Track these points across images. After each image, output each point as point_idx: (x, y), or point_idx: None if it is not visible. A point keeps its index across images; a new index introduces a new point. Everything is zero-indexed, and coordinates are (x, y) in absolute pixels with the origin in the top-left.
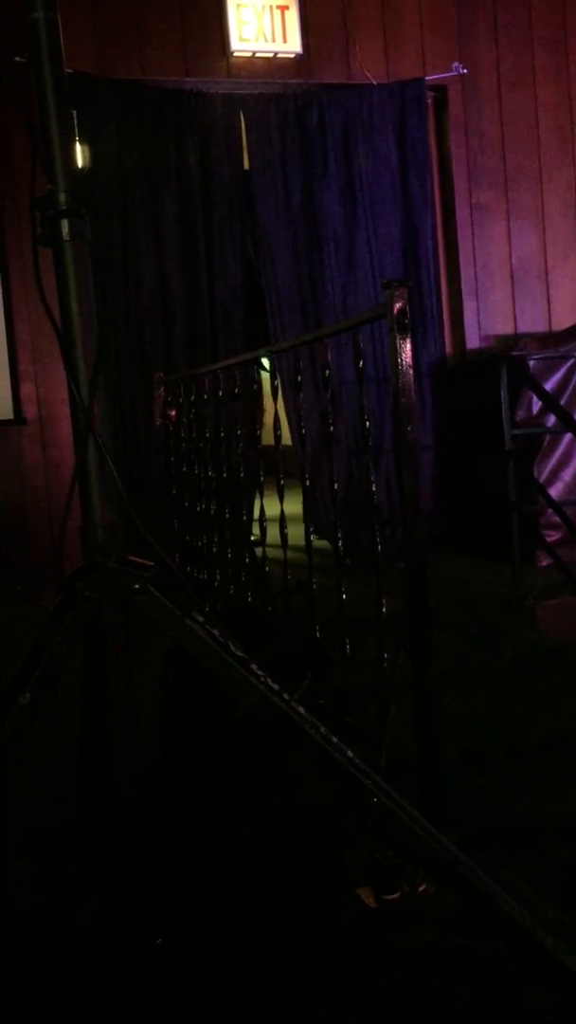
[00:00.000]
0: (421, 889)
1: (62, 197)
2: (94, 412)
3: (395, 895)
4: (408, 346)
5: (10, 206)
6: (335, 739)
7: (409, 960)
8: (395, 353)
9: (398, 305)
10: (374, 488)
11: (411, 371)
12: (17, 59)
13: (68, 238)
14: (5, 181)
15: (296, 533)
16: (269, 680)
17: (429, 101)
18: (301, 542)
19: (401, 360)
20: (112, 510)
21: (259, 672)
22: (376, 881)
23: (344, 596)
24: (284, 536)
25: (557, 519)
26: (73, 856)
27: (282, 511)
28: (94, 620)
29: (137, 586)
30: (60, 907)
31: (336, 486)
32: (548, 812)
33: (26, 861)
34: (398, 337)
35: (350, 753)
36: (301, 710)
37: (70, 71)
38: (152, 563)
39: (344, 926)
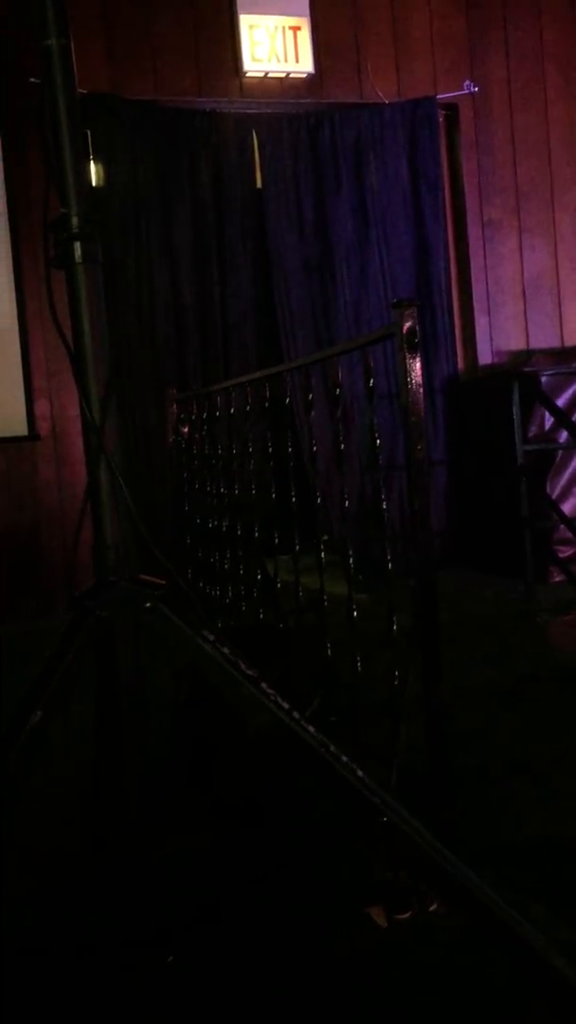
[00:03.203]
0: (432, 908)
1: (75, 220)
2: (106, 432)
3: (406, 914)
4: (418, 365)
5: (24, 226)
6: (345, 758)
7: (420, 980)
8: (404, 372)
9: (407, 324)
10: (385, 505)
11: (421, 389)
12: (32, 80)
13: (81, 260)
14: (20, 201)
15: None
16: (280, 699)
17: (440, 119)
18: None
19: (411, 379)
20: (124, 529)
21: (269, 691)
22: (387, 900)
23: (355, 613)
24: (295, 554)
25: (570, 535)
26: (84, 872)
27: (294, 529)
28: (105, 638)
29: (148, 605)
30: (69, 923)
31: (347, 503)
32: (561, 831)
33: (36, 878)
34: (407, 356)
35: (360, 772)
36: (311, 729)
37: (84, 91)
38: (163, 581)
39: (355, 945)
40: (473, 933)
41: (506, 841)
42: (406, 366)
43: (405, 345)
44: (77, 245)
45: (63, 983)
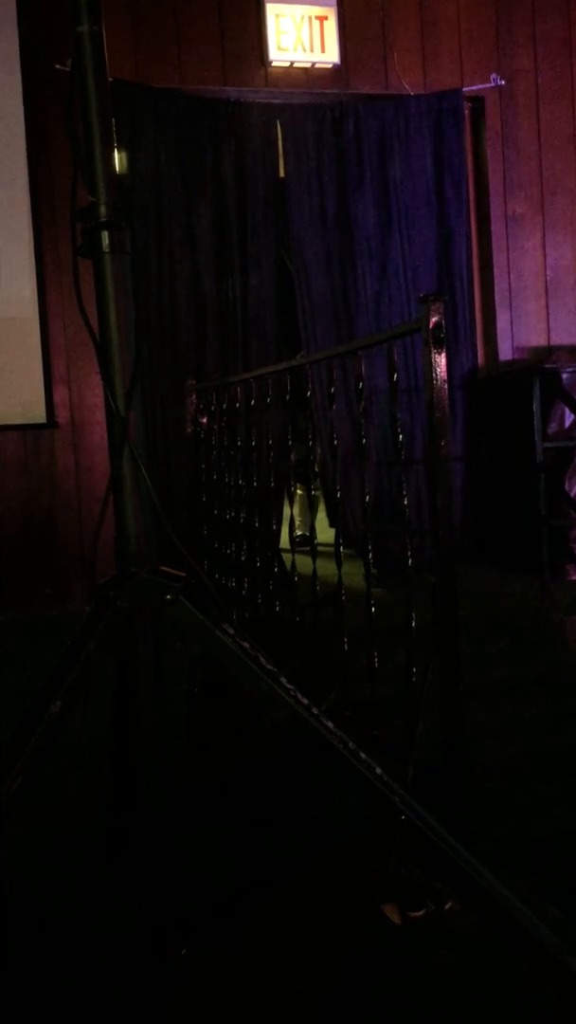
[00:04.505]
0: (447, 907)
1: (103, 209)
2: (130, 423)
3: (420, 912)
4: (443, 360)
5: (47, 214)
6: (363, 755)
7: (434, 979)
8: (429, 367)
9: (434, 319)
10: (405, 501)
11: (445, 385)
12: (58, 67)
13: (108, 250)
14: (43, 189)
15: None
16: (299, 694)
17: (466, 112)
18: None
19: (435, 374)
20: (146, 520)
21: (288, 686)
22: (401, 897)
23: (373, 608)
24: (313, 547)
25: None
26: (104, 863)
27: (313, 522)
28: (125, 629)
29: (169, 596)
30: (90, 914)
31: (368, 497)
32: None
33: (57, 867)
34: (433, 351)
35: (379, 769)
36: (330, 725)
37: (109, 79)
38: (184, 573)
39: (368, 943)
40: (488, 933)
41: (521, 837)
42: (431, 361)
43: (431, 340)
44: (105, 234)
45: (79, 972)
